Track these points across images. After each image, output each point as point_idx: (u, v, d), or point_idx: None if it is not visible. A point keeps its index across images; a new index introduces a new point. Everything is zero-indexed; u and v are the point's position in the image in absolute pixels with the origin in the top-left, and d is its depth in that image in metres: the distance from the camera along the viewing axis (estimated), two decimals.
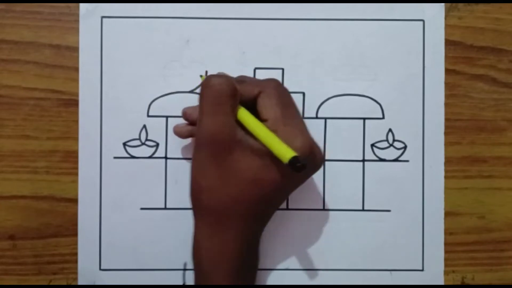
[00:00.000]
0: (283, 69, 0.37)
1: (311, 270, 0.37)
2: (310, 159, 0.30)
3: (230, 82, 0.30)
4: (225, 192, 0.30)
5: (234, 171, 0.29)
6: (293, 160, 0.27)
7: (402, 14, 0.37)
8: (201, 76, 0.35)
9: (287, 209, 0.37)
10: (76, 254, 0.36)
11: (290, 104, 0.32)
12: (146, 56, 0.37)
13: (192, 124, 0.34)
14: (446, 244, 0.37)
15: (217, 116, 0.29)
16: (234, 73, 0.35)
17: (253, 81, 0.32)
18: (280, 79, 0.37)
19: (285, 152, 0.28)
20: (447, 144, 0.37)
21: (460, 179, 0.37)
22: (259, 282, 0.37)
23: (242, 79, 0.32)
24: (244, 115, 0.30)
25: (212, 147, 0.29)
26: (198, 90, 0.37)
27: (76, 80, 0.36)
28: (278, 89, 0.31)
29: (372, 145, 0.37)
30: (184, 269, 0.36)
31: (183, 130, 0.35)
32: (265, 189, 0.30)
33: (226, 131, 0.29)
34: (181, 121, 0.35)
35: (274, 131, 0.29)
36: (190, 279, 0.36)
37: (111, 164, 0.36)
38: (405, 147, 0.37)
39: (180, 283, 0.36)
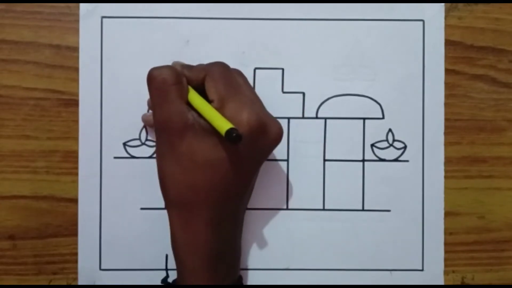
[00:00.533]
0: (283, 69, 0.37)
1: (311, 270, 0.37)
2: (261, 133, 0.30)
3: (171, 70, 0.30)
4: (184, 179, 0.30)
5: (188, 156, 0.30)
6: (229, 131, 0.27)
7: (402, 14, 0.37)
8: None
9: (287, 209, 0.37)
10: (76, 254, 0.36)
11: (236, 83, 0.32)
12: (146, 56, 0.37)
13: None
14: (446, 244, 0.37)
15: (164, 105, 0.30)
16: None
17: (199, 66, 0.33)
18: (280, 79, 0.37)
19: (223, 125, 0.28)
20: (447, 144, 0.37)
21: (460, 179, 0.37)
22: (259, 282, 0.37)
23: (192, 66, 0.33)
24: (192, 97, 0.31)
25: (165, 135, 0.30)
26: None
27: (76, 80, 0.36)
28: (222, 70, 0.32)
29: (372, 145, 0.37)
30: (166, 262, 0.36)
31: (149, 118, 0.35)
32: (220, 170, 0.30)
33: (175, 117, 0.30)
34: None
35: (220, 108, 0.30)
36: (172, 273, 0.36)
37: (111, 164, 0.36)
38: (405, 147, 0.37)
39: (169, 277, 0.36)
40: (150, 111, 0.36)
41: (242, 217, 0.35)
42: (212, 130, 0.29)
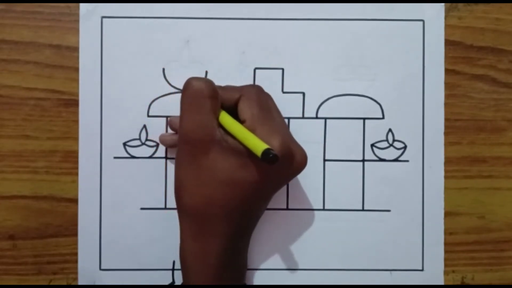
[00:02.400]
0: (283, 69, 0.37)
1: (311, 270, 0.37)
2: (288, 159, 0.31)
3: (209, 83, 0.30)
4: (202, 192, 0.30)
5: (211, 171, 0.30)
6: (266, 151, 0.27)
7: (402, 14, 0.37)
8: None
9: (287, 209, 0.37)
10: (76, 254, 0.36)
11: (269, 107, 0.32)
12: (146, 56, 0.37)
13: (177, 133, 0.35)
14: (446, 244, 0.37)
15: (195, 115, 0.30)
16: (234, 73, 0.35)
17: (233, 87, 0.33)
18: (280, 79, 0.37)
19: (259, 145, 0.28)
20: (447, 144, 0.37)
21: (460, 179, 0.37)
22: (259, 282, 0.37)
23: (223, 87, 0.33)
24: (224, 117, 0.31)
25: (190, 146, 0.30)
26: None
27: (76, 80, 0.36)
28: (258, 93, 0.32)
29: (372, 145, 0.37)
30: (173, 268, 0.36)
31: (167, 138, 0.36)
32: (241, 189, 0.30)
33: (204, 130, 0.30)
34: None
35: (252, 130, 0.30)
36: (179, 278, 0.36)
37: (111, 164, 0.36)
38: (405, 147, 0.37)
39: (175, 282, 0.36)
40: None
41: (252, 231, 0.35)
42: (239, 148, 0.29)
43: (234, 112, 0.32)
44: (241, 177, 0.30)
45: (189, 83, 0.31)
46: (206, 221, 0.30)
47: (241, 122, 0.31)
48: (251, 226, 0.34)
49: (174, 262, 0.37)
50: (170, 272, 0.36)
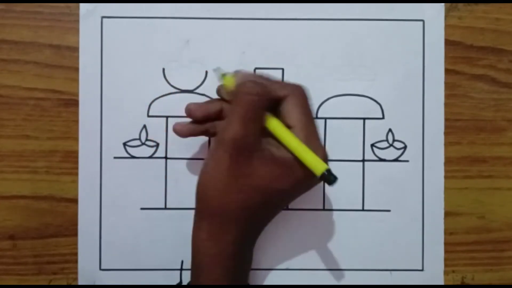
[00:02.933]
0: (283, 69, 0.37)
1: (311, 270, 0.37)
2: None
3: (264, 91, 0.30)
4: (236, 197, 0.30)
5: (250, 178, 0.30)
6: (328, 172, 0.28)
7: (402, 14, 0.37)
8: (214, 70, 0.33)
9: (287, 209, 0.37)
10: (76, 254, 0.36)
11: (311, 113, 0.32)
12: (146, 56, 0.37)
13: (195, 122, 0.34)
14: (446, 244, 0.37)
15: (247, 124, 0.29)
16: None
17: (281, 82, 0.33)
18: (280, 79, 0.37)
19: (318, 165, 0.29)
20: (447, 144, 0.37)
21: (460, 179, 0.37)
22: (259, 282, 0.37)
23: (266, 78, 0.32)
24: (274, 123, 0.31)
25: (235, 151, 0.29)
26: (200, 90, 0.37)
27: (76, 80, 0.36)
28: (305, 96, 0.31)
29: (372, 145, 0.37)
30: (181, 268, 0.36)
31: (184, 128, 0.34)
32: (274, 197, 0.30)
33: (252, 139, 0.30)
34: (181, 121, 0.35)
35: (299, 138, 0.30)
36: (186, 278, 0.36)
37: (111, 164, 0.36)
38: (405, 147, 0.37)
39: (182, 282, 0.36)
40: (186, 120, 0.35)
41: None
42: (279, 159, 0.30)
43: (271, 106, 0.31)
44: (277, 186, 0.30)
45: (246, 87, 0.30)
46: (226, 223, 0.30)
47: (287, 125, 0.31)
48: (264, 228, 0.34)
49: (182, 262, 0.36)
50: (170, 272, 0.36)
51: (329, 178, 0.28)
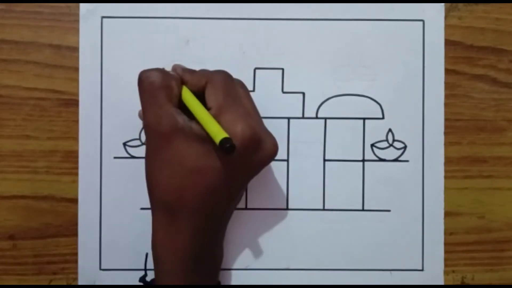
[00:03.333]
0: (283, 69, 0.37)
1: (311, 270, 0.37)
2: (254, 147, 0.30)
3: (159, 72, 0.30)
4: (170, 182, 0.30)
5: (176, 160, 0.29)
6: (223, 141, 0.27)
7: (402, 14, 0.37)
8: None
9: (287, 209, 0.37)
10: (76, 254, 0.36)
11: (237, 94, 0.31)
12: (146, 56, 0.37)
13: None
14: (446, 244, 0.37)
15: (152, 107, 0.30)
16: (234, 73, 0.35)
17: (203, 72, 0.32)
18: (280, 79, 0.37)
19: (218, 133, 0.27)
20: (447, 144, 0.37)
21: (460, 179, 0.37)
22: (259, 282, 0.37)
23: (194, 71, 0.33)
24: (187, 97, 0.31)
25: (154, 138, 0.30)
26: None
27: (76, 80, 0.36)
28: (224, 79, 0.31)
29: (372, 145, 0.37)
30: (146, 260, 0.36)
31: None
32: (207, 178, 0.29)
33: (164, 120, 0.29)
34: None
35: (216, 117, 0.29)
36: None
37: (111, 164, 0.36)
38: (405, 147, 0.37)
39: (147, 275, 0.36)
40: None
41: (226, 225, 0.35)
42: (203, 136, 0.29)
43: (203, 98, 0.31)
44: (207, 165, 0.29)
45: (139, 77, 0.31)
46: (176, 213, 0.30)
47: (208, 109, 0.30)
48: (223, 218, 0.33)
49: (147, 255, 0.36)
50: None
51: (224, 146, 0.27)
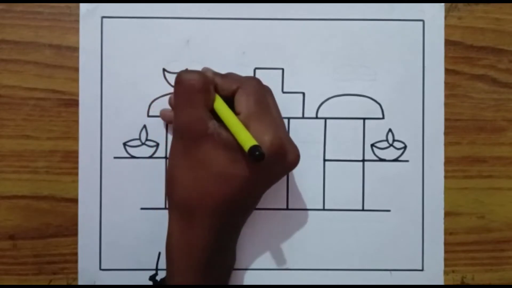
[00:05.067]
0: (283, 69, 0.37)
1: (311, 270, 0.37)
2: (279, 156, 0.30)
3: (201, 76, 0.30)
4: (194, 185, 0.30)
5: (203, 165, 0.30)
6: (253, 148, 0.27)
7: (402, 14, 0.37)
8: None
9: (287, 209, 0.37)
10: (76, 254, 0.36)
11: (267, 102, 0.32)
12: (146, 56, 0.37)
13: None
14: (446, 244, 0.37)
15: (186, 110, 0.30)
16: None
17: (234, 77, 0.33)
18: (280, 79, 0.37)
19: (248, 141, 0.28)
20: (447, 144, 0.37)
21: (460, 179, 0.37)
22: (258, 282, 0.37)
23: (225, 75, 0.33)
24: (218, 104, 0.31)
25: (183, 139, 0.30)
26: None
27: (76, 80, 0.36)
28: (256, 86, 0.32)
29: (372, 145, 0.37)
30: (158, 260, 0.36)
31: (167, 114, 0.36)
32: (232, 184, 0.30)
33: (196, 124, 0.30)
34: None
35: (246, 124, 0.30)
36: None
37: (111, 164, 0.36)
38: (405, 147, 0.37)
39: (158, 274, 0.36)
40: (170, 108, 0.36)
41: (241, 229, 0.35)
42: (231, 143, 0.29)
43: (232, 102, 0.31)
44: (232, 172, 0.30)
45: (180, 77, 0.31)
46: (196, 215, 0.30)
47: (237, 114, 0.31)
48: (239, 223, 0.34)
49: (159, 254, 0.36)
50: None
51: (254, 154, 0.27)
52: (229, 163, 0.29)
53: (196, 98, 0.30)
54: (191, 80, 0.30)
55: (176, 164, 0.31)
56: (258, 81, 0.32)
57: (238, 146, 0.29)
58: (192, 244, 0.31)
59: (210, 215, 0.30)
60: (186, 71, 0.31)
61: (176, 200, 0.31)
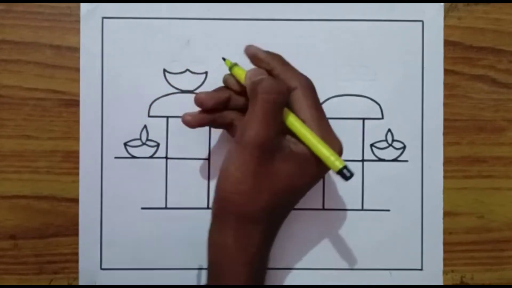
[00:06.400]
0: None
1: (311, 270, 0.37)
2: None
3: (284, 89, 0.30)
4: (260, 199, 0.29)
5: (273, 178, 0.29)
6: (344, 169, 0.28)
7: (401, 14, 0.37)
8: (224, 59, 0.34)
9: None
10: (77, 253, 0.36)
11: (321, 106, 0.32)
12: (147, 56, 0.37)
13: (204, 112, 0.33)
14: (445, 243, 0.37)
15: (269, 124, 0.29)
16: None
17: (292, 72, 0.31)
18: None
19: (336, 161, 0.29)
20: (446, 144, 0.37)
21: (460, 179, 0.37)
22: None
23: (284, 65, 0.32)
24: (290, 119, 0.30)
25: (259, 153, 0.29)
26: (200, 90, 0.37)
27: (76, 80, 0.36)
28: (313, 89, 0.31)
29: (372, 145, 0.37)
30: (200, 269, 0.36)
31: (195, 118, 0.33)
32: (293, 195, 0.31)
33: (274, 138, 0.29)
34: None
35: (312, 129, 0.30)
36: (203, 280, 0.37)
37: (112, 164, 0.37)
38: (404, 147, 0.37)
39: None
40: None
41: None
42: (299, 155, 0.30)
43: None
44: (297, 184, 0.30)
45: (266, 85, 0.29)
46: (252, 225, 0.30)
47: (295, 113, 0.30)
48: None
49: (201, 265, 0.36)
50: (170, 271, 0.36)
51: (346, 175, 0.28)
52: (297, 175, 0.30)
53: (276, 112, 0.29)
54: (280, 94, 0.29)
55: (243, 177, 0.29)
56: (311, 82, 0.32)
57: (305, 157, 0.30)
58: (247, 253, 0.30)
59: (268, 224, 0.30)
60: (267, 80, 0.29)
61: (233, 206, 0.30)
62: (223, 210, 0.30)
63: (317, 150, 0.29)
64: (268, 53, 0.32)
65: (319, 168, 0.30)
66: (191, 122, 0.33)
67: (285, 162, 0.29)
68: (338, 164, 0.28)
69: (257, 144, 0.29)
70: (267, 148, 0.29)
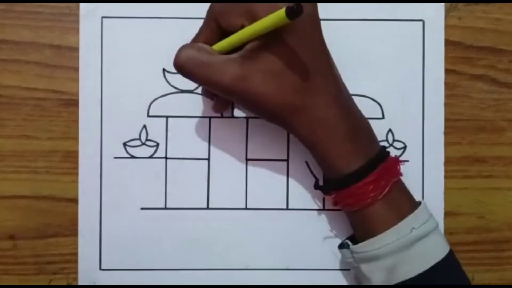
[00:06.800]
0: None
1: (311, 270, 0.37)
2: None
3: (192, 52, 0.30)
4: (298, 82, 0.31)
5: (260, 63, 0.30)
6: (288, 10, 0.25)
7: (402, 14, 0.37)
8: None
9: (287, 209, 0.37)
10: (76, 254, 0.36)
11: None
12: (146, 56, 0.37)
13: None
14: None
15: (207, 76, 0.30)
16: None
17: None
18: None
19: (276, 15, 0.26)
20: (447, 144, 0.37)
21: (460, 179, 0.37)
22: (258, 282, 0.37)
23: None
24: (223, 43, 0.30)
25: (227, 94, 0.30)
26: (200, 90, 0.37)
27: (76, 80, 0.36)
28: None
29: None
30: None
31: (219, 107, 0.36)
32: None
33: (223, 73, 0.29)
34: (181, 121, 0.36)
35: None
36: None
37: (111, 164, 0.36)
38: (404, 147, 0.37)
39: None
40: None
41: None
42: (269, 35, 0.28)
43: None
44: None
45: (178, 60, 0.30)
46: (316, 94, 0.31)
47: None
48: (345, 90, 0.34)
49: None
50: (170, 272, 0.36)
51: (293, 11, 0.25)
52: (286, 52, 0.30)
53: (201, 73, 0.30)
54: (186, 62, 0.30)
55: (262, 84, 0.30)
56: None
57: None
58: (333, 122, 0.31)
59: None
60: (182, 51, 0.31)
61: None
62: (278, 108, 0.31)
63: (258, 28, 0.28)
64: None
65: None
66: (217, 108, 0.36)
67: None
68: (279, 14, 0.26)
69: (226, 90, 0.30)
70: (227, 84, 0.30)
